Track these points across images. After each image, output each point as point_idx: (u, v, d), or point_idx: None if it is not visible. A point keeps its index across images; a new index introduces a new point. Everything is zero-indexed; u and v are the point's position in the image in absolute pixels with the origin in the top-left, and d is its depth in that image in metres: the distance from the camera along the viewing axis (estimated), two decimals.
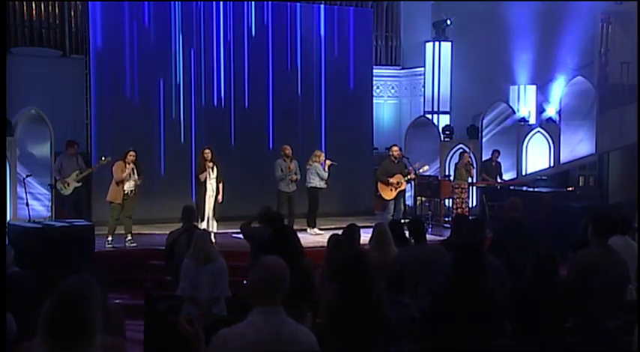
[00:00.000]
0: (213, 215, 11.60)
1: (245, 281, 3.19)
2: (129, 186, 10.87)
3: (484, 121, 15.49)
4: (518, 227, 7.39)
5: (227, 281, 6.48)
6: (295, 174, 12.03)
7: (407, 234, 7.07)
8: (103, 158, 11.40)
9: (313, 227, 12.12)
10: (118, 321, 4.50)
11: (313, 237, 11.48)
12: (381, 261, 6.41)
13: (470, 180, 13.79)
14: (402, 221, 9.48)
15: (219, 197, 11.57)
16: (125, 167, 10.81)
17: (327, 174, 12.11)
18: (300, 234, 6.25)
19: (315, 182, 12.11)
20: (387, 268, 5.87)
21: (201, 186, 11.55)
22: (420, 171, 12.91)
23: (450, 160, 15.05)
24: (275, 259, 3.18)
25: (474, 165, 14.16)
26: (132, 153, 10.92)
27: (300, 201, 12.38)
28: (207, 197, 11.48)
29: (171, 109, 13.50)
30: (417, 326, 4.88)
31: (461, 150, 14.38)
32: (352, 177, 14.36)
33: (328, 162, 12.26)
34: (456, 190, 13.24)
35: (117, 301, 8.22)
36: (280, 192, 11.93)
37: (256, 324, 3.05)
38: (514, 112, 15.65)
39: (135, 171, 10.92)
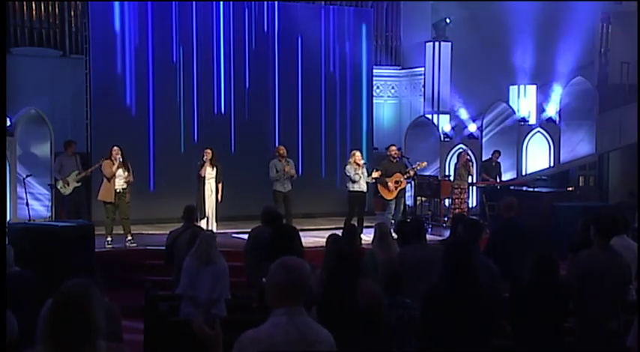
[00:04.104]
0: (214, 215, 11.59)
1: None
2: (119, 183, 10.76)
3: (484, 121, 15.48)
4: (514, 227, 7.39)
5: (228, 283, 6.47)
6: (292, 169, 11.88)
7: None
8: (103, 159, 11.32)
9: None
10: (116, 322, 4.48)
11: (313, 237, 11.44)
12: (384, 261, 6.39)
13: (470, 179, 13.73)
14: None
15: (218, 196, 11.56)
16: (113, 163, 10.72)
17: (358, 176, 11.68)
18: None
19: (349, 185, 11.84)
20: (389, 268, 5.87)
21: (201, 186, 11.53)
22: (418, 167, 12.82)
23: (450, 160, 15.04)
24: (297, 260, 3.13)
25: (473, 164, 14.09)
26: (115, 148, 10.77)
27: (302, 202, 12.39)
28: (205, 197, 11.47)
29: (171, 109, 13.46)
30: (417, 326, 4.87)
31: (460, 150, 14.31)
32: None
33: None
34: (455, 190, 13.19)
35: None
36: (276, 192, 11.81)
37: (282, 325, 3.00)
38: (514, 112, 15.64)
39: (124, 168, 10.76)
